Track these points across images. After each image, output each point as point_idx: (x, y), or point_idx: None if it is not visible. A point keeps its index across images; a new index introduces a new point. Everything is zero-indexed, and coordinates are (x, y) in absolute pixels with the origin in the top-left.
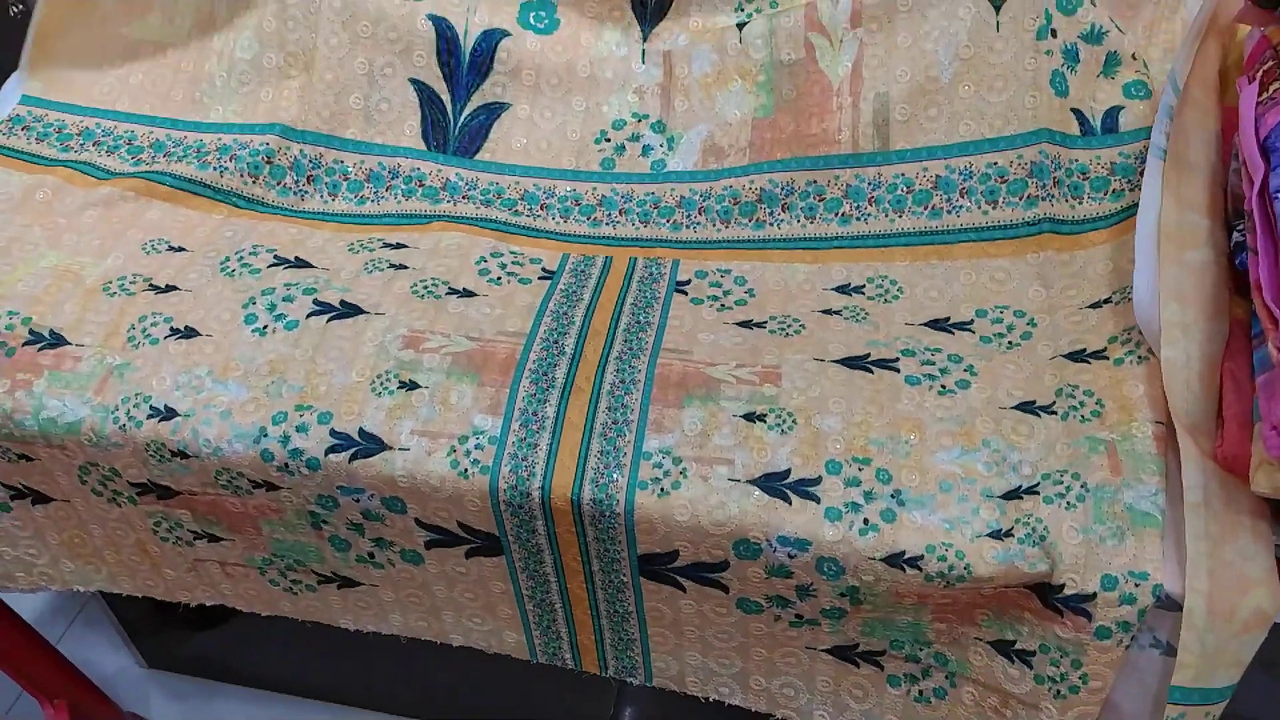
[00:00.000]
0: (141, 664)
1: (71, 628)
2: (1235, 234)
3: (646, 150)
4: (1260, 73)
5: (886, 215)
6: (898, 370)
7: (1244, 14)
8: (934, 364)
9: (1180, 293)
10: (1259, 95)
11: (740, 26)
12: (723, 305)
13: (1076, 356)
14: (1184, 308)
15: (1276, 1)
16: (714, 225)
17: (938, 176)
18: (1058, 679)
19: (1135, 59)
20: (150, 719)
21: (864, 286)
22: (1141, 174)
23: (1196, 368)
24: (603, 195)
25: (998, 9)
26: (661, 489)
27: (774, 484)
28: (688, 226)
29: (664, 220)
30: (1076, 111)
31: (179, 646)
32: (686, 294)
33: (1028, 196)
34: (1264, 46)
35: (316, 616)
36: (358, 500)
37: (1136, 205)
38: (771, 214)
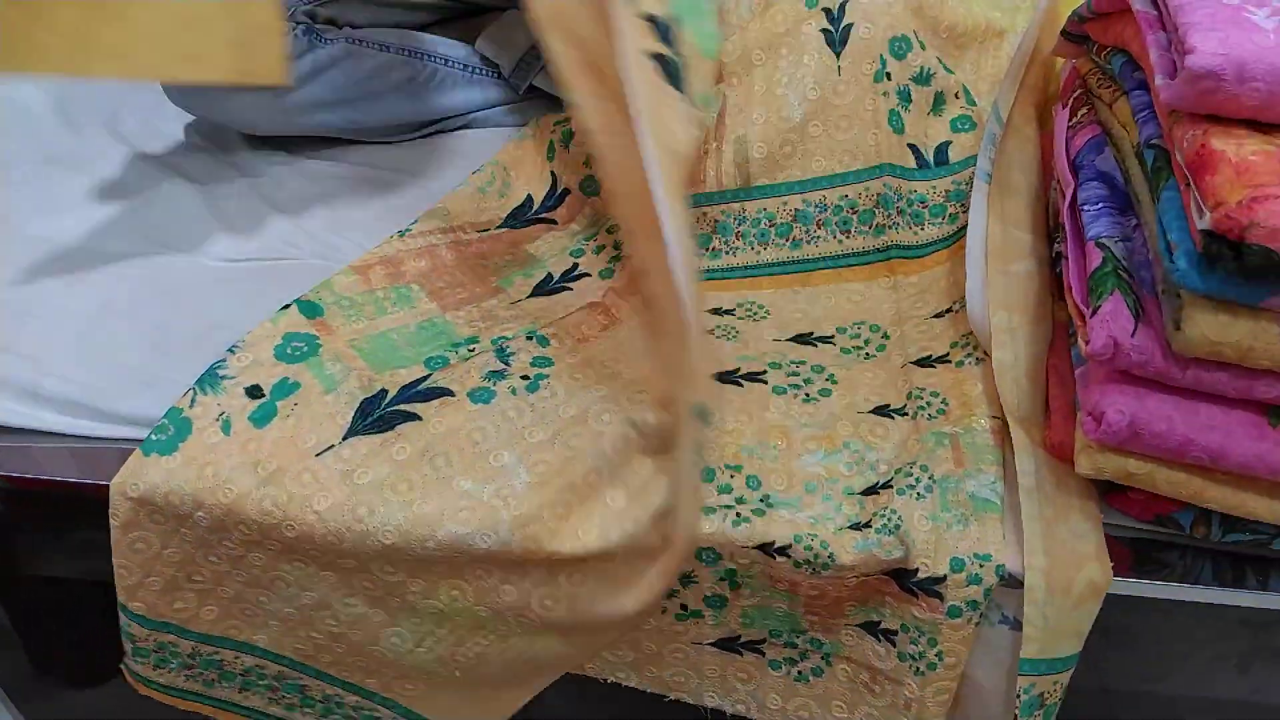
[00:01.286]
0: None
1: None
2: (1055, 245)
3: None
4: (1071, 100)
5: (752, 248)
6: (766, 382)
7: (1059, 49)
8: (799, 375)
9: (1007, 301)
10: (1070, 119)
11: None
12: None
13: (924, 362)
14: (1011, 314)
15: (1085, 37)
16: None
17: (796, 210)
18: (917, 656)
19: (959, 97)
20: None
21: (734, 310)
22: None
23: (1024, 366)
24: None
25: (838, 55)
26: None
27: None
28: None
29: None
30: (912, 146)
31: (63, 707)
32: None
33: (876, 225)
34: (1074, 76)
35: None
36: None
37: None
38: None
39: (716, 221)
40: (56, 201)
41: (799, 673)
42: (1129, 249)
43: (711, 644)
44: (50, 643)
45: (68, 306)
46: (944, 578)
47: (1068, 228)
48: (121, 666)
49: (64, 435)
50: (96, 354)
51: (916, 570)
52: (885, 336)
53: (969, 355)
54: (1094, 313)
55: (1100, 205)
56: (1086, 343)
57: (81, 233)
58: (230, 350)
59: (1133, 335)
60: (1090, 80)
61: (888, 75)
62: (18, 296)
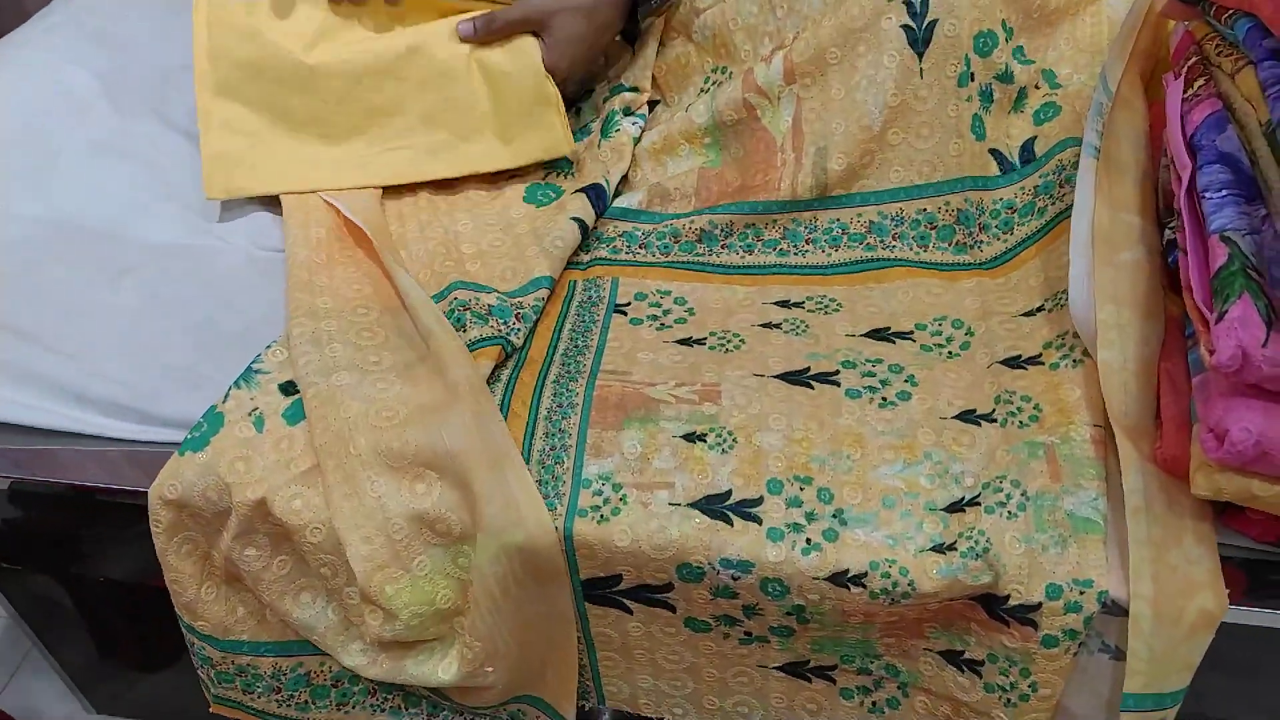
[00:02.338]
0: (89, 710)
1: (15, 678)
2: (1167, 231)
3: None
4: (1185, 69)
5: (824, 251)
6: (838, 384)
7: (1168, 9)
8: (875, 375)
9: (1115, 294)
10: (1184, 91)
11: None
12: (662, 325)
13: (1013, 363)
14: (1119, 309)
15: None
16: (653, 256)
17: (870, 222)
18: (1008, 687)
19: (1039, 86)
20: None
21: (804, 303)
22: (1062, 185)
23: (1133, 369)
24: None
25: (921, 56)
26: (601, 516)
27: (715, 506)
28: (627, 253)
29: (604, 247)
30: (994, 152)
31: (127, 691)
32: (626, 314)
33: (956, 243)
34: (1189, 42)
35: None
36: None
37: (1061, 215)
38: (710, 250)
39: (786, 228)
40: (104, 190)
41: (873, 704)
42: (1258, 243)
43: (778, 668)
44: (113, 633)
45: (114, 303)
46: (1039, 605)
47: (1185, 216)
48: (211, 699)
49: (114, 440)
50: (141, 353)
51: (1008, 597)
52: (969, 333)
53: (1065, 356)
54: (1219, 318)
55: (1224, 193)
56: (1211, 352)
57: (128, 222)
58: (268, 346)
59: (1264, 345)
60: (1207, 47)
61: (971, 76)
62: (63, 293)
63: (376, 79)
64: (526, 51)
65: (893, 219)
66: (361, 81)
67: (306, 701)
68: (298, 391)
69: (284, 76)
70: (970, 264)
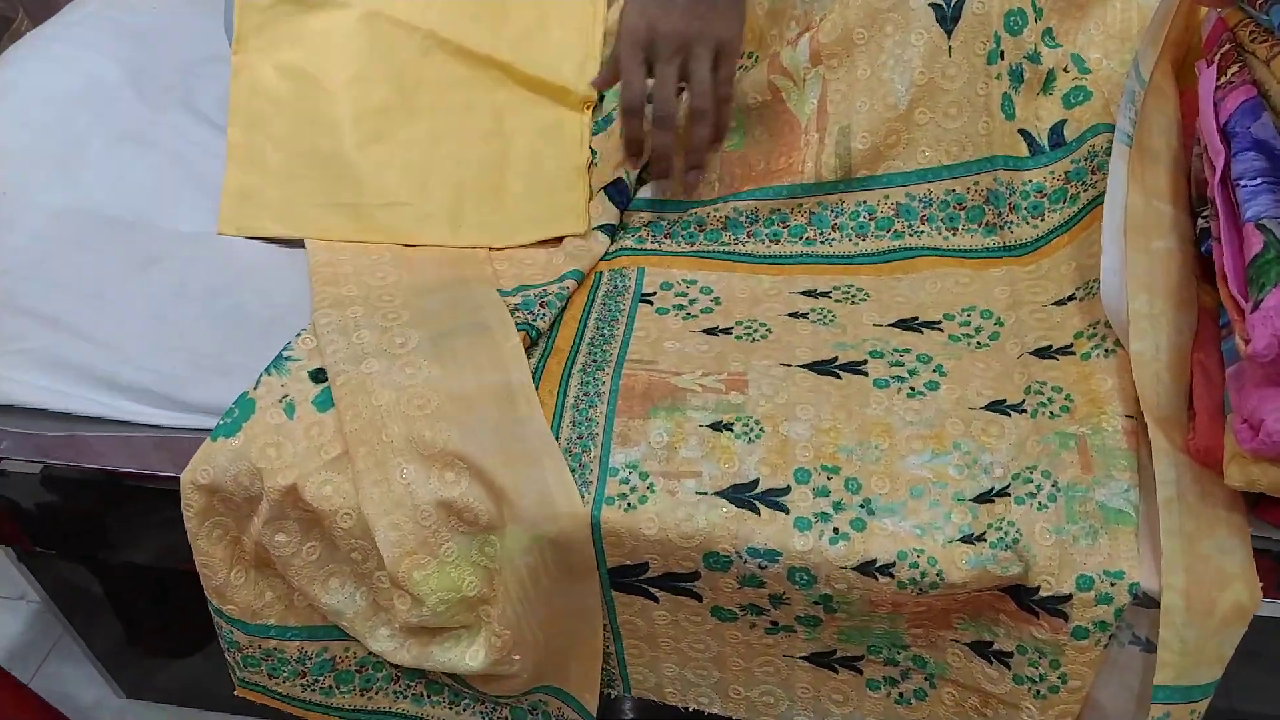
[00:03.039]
0: (119, 694)
1: (46, 663)
2: (1200, 220)
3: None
4: (1218, 56)
5: (850, 239)
6: (866, 374)
7: None
8: (903, 365)
9: (1149, 283)
10: (1218, 79)
11: None
12: (688, 314)
13: (1044, 353)
14: (1152, 299)
15: None
16: (679, 245)
17: (898, 204)
18: (1037, 679)
19: (1068, 70)
20: None
21: (830, 292)
22: (1094, 172)
23: (1165, 359)
24: None
25: (949, 34)
26: (628, 504)
27: (742, 495)
28: (652, 242)
29: (629, 237)
30: (1024, 132)
31: (156, 675)
32: (652, 304)
33: (986, 223)
34: (1221, 29)
35: None
36: None
37: (1094, 202)
38: (736, 238)
39: (812, 213)
40: (130, 180)
41: (899, 694)
42: None
43: (804, 658)
44: (142, 618)
45: (143, 290)
46: (1069, 597)
47: (1219, 204)
48: (237, 683)
49: (144, 425)
50: (172, 341)
51: (1038, 588)
52: (999, 323)
53: (1097, 347)
54: (1255, 307)
55: (1259, 180)
56: (1246, 341)
57: (155, 212)
58: (298, 334)
59: None
60: (1241, 34)
61: (1001, 54)
62: (92, 280)
63: (410, 142)
64: (569, 135)
65: (921, 200)
66: (397, 137)
67: (331, 686)
68: (328, 379)
69: (317, 119)
70: (999, 248)
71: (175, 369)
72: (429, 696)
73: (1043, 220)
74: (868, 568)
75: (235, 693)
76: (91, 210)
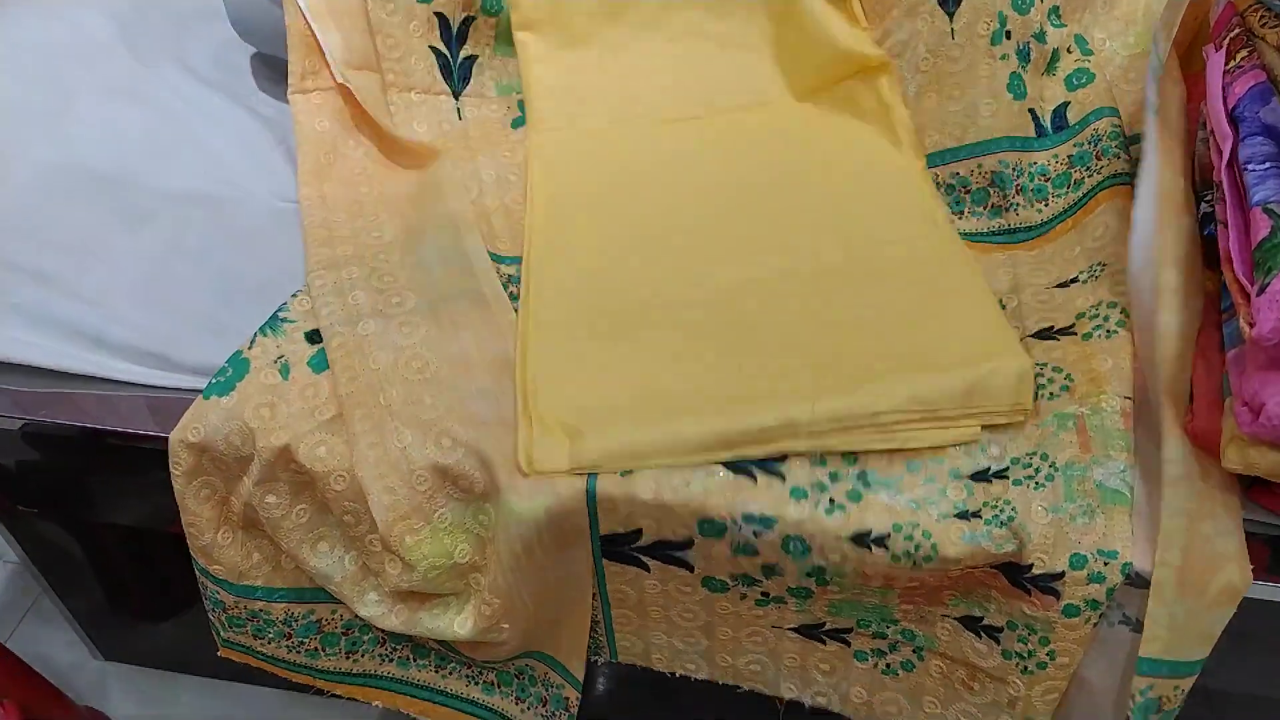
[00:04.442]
0: (97, 656)
1: (23, 624)
2: (1204, 204)
3: None
4: (1227, 40)
5: None
6: None
7: None
8: None
9: (1178, 258)
10: (1226, 63)
11: None
12: None
13: (1045, 334)
14: (1179, 274)
15: None
16: None
17: None
18: (1025, 655)
19: (1071, 50)
20: (107, 712)
21: None
22: (1098, 156)
23: (1189, 337)
24: None
25: (952, 16)
26: (624, 469)
27: (739, 461)
28: None
29: None
30: (1031, 112)
31: (135, 638)
32: None
33: (992, 205)
34: (1230, 13)
35: None
36: None
37: (1098, 187)
38: None
39: None
40: (121, 135)
41: (886, 665)
42: None
43: (793, 629)
44: (123, 579)
45: (134, 248)
46: (1062, 574)
47: (1225, 188)
48: (220, 643)
49: (132, 384)
50: (163, 300)
51: (1031, 565)
52: (1000, 305)
53: (1099, 327)
54: (1261, 290)
55: (1267, 165)
56: (1251, 324)
57: (146, 169)
58: (294, 294)
59: None
60: (1250, 18)
61: (1007, 34)
62: (82, 237)
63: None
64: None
65: None
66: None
67: (316, 649)
68: (323, 341)
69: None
70: (1004, 230)
71: (166, 328)
72: (415, 660)
73: (1046, 205)
74: (862, 539)
75: (219, 653)
76: (81, 166)
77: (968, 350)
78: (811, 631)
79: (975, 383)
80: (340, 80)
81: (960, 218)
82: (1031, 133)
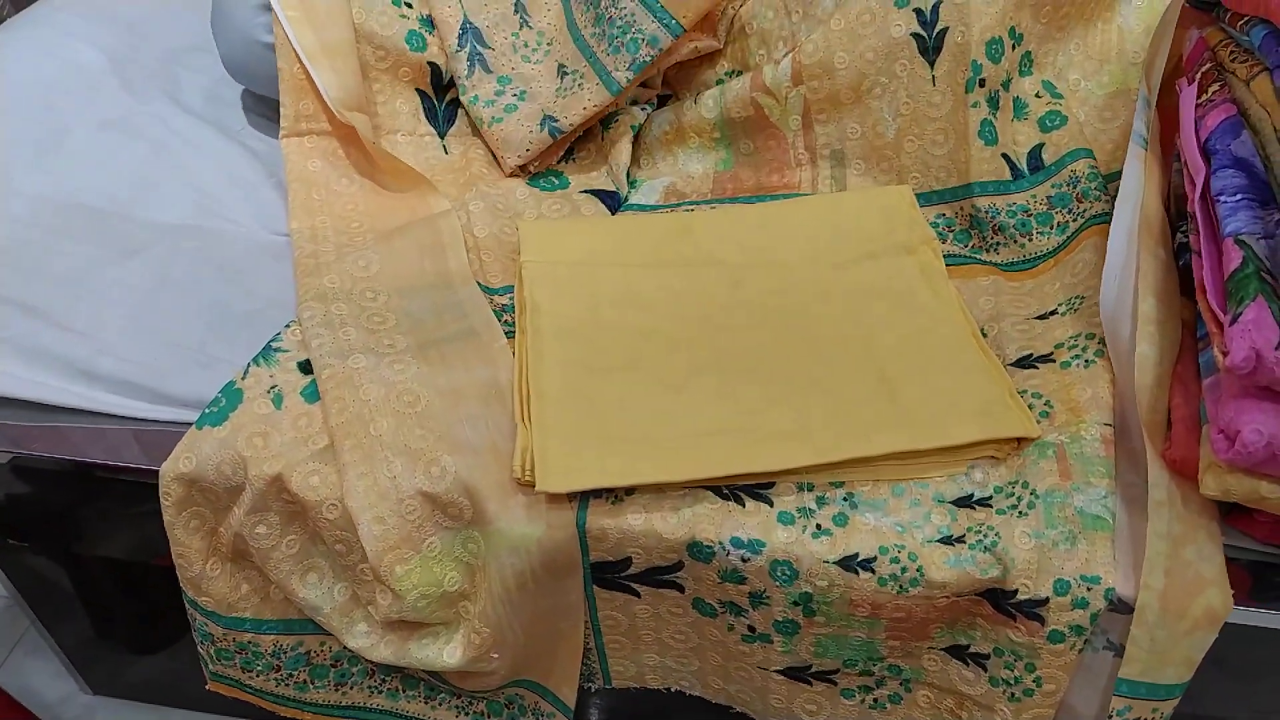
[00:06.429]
0: (86, 690)
1: (11, 657)
2: (1178, 235)
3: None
4: (1199, 74)
5: None
6: None
7: (1184, 16)
8: None
9: (1156, 288)
10: (1198, 97)
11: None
12: None
13: (1024, 363)
14: (1158, 304)
15: (1215, 3)
16: None
17: None
18: (1012, 681)
19: (1040, 96)
20: None
21: None
22: (1079, 199)
23: (1166, 366)
24: None
25: (932, 65)
26: (615, 496)
27: (727, 487)
28: None
29: None
30: (1005, 157)
31: (124, 671)
32: None
33: (972, 247)
34: (1202, 48)
35: None
36: None
37: (1080, 229)
38: None
39: None
40: (112, 169)
41: (874, 700)
42: (1272, 247)
43: (779, 671)
44: (112, 613)
45: (123, 280)
46: (1046, 600)
47: (1199, 219)
48: (209, 676)
49: (121, 417)
50: (152, 332)
51: (1015, 591)
52: (980, 334)
53: (1077, 357)
54: (1234, 320)
55: (1239, 197)
56: (1224, 353)
57: (137, 202)
58: (287, 325)
59: (1277, 348)
60: (1221, 53)
61: (981, 82)
62: (72, 270)
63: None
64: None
65: None
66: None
67: (305, 681)
68: (314, 371)
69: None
70: (988, 262)
71: (156, 361)
72: (404, 691)
73: (1030, 239)
74: (849, 562)
75: (208, 686)
76: (72, 199)
77: (975, 402)
78: (798, 674)
79: (988, 426)
80: (342, 119)
81: (944, 243)
82: (1008, 175)
